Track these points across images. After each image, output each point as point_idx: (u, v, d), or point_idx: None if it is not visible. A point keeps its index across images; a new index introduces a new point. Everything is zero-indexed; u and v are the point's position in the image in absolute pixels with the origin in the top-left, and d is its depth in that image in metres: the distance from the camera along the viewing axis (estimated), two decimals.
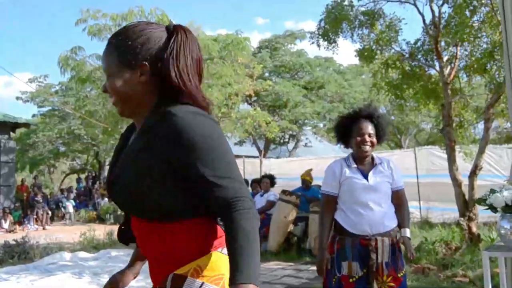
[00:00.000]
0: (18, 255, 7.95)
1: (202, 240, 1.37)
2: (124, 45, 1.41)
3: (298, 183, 9.24)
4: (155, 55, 1.40)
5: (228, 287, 1.26)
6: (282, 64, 23.94)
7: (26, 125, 18.29)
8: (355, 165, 3.08)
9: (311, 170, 9.15)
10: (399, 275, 2.94)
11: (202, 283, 1.34)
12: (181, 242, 1.36)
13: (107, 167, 25.28)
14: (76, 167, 28.86)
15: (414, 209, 10.89)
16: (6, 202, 15.90)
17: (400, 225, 3.07)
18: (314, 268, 6.69)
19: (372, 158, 3.12)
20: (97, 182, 20.66)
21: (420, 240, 7.32)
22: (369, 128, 3.07)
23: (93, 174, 23.05)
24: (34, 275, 6.64)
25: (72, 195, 18.61)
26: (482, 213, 7.76)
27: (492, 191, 2.16)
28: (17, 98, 23.24)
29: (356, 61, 18.48)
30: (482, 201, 2.23)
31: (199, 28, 14.14)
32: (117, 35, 1.45)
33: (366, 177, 3.04)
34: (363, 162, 3.10)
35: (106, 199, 16.97)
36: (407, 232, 3.05)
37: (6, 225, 14.12)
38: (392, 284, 2.90)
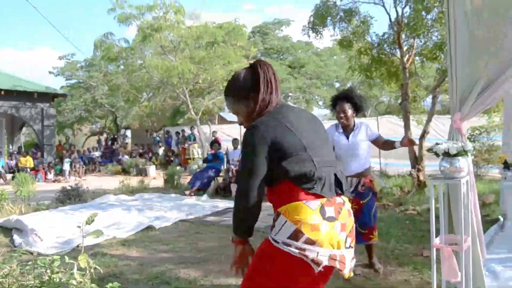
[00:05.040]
0: (74, 197, 8.47)
1: (289, 194, 1.70)
2: (237, 89, 1.85)
3: None
4: (253, 87, 1.81)
5: (304, 230, 1.62)
6: (271, 47, 24.04)
7: (63, 95, 18.60)
8: (342, 130, 3.75)
9: None
10: (361, 202, 3.62)
11: (286, 221, 1.66)
12: (278, 195, 1.74)
13: (123, 130, 25.35)
14: (95, 130, 28.94)
15: (375, 164, 11.42)
16: (49, 158, 16.35)
17: (393, 142, 3.60)
18: None
19: (354, 124, 3.73)
20: (115, 143, 21.07)
21: (382, 186, 7.97)
22: (343, 107, 3.63)
23: (112, 136, 23.31)
24: (92, 211, 7.01)
25: (99, 153, 19.04)
26: (428, 167, 8.42)
27: (437, 144, 2.81)
28: (50, 72, 23.18)
29: (330, 44, 18.64)
30: (430, 150, 2.85)
31: (199, 16, 14.34)
32: (229, 86, 1.88)
33: (348, 137, 3.70)
34: (347, 128, 3.74)
35: (126, 156, 17.42)
36: (397, 142, 3.54)
37: (51, 176, 14.70)
38: (355, 206, 3.50)
